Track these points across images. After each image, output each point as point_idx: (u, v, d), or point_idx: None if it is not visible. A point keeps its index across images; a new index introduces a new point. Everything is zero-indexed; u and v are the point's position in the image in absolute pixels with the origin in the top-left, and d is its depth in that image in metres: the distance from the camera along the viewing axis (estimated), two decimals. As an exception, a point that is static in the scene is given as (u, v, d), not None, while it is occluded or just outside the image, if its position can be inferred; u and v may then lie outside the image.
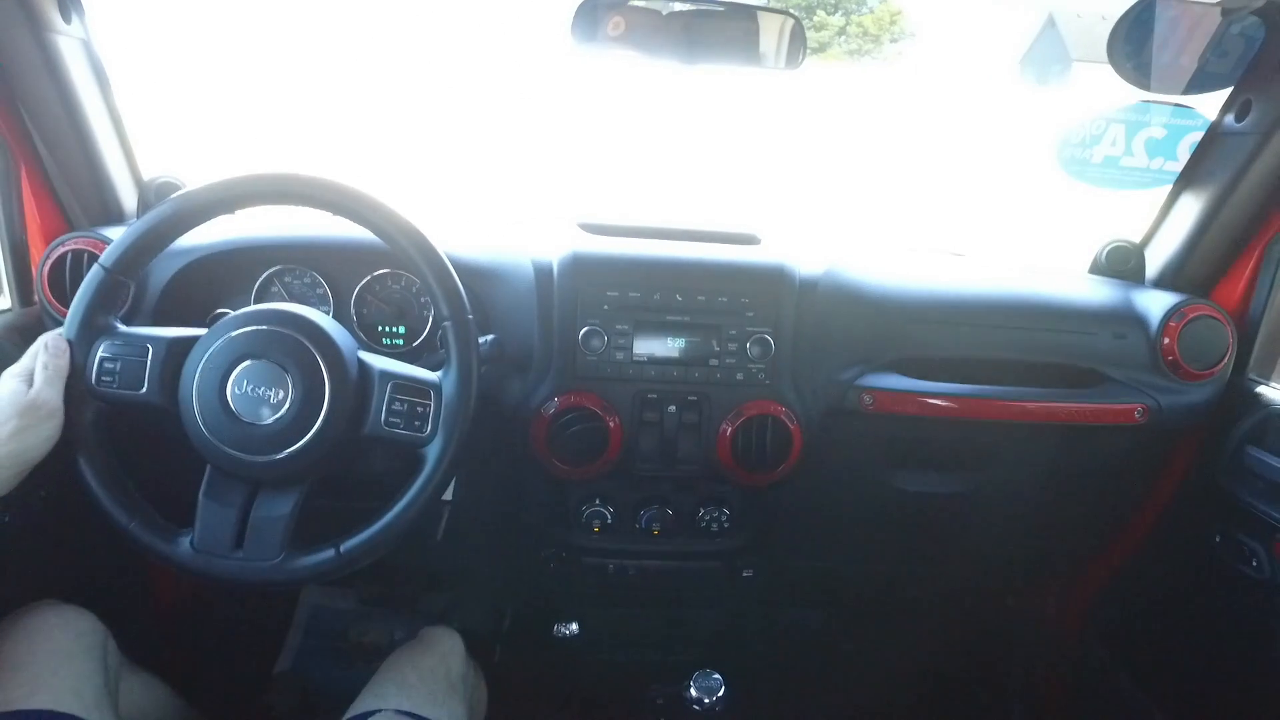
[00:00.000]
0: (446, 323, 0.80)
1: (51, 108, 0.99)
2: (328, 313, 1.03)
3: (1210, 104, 1.11)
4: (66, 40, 0.98)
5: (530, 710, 1.26)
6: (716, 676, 1.17)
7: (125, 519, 0.76)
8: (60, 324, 0.77)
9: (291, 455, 0.75)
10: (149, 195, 1.12)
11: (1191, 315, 1.06)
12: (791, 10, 1.05)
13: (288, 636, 1.47)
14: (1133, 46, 1.08)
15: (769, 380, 1.00)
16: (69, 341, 0.76)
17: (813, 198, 5.85)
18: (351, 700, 0.89)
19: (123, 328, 0.78)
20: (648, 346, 0.99)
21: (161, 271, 1.00)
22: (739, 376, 1.00)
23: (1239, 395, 1.08)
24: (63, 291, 1.00)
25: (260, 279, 1.05)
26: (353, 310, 1.06)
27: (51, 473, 0.73)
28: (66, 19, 0.98)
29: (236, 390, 0.75)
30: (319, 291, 1.06)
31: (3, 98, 0.98)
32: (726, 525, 1.09)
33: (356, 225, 0.81)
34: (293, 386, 0.75)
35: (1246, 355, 1.10)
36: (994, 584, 1.46)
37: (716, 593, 1.24)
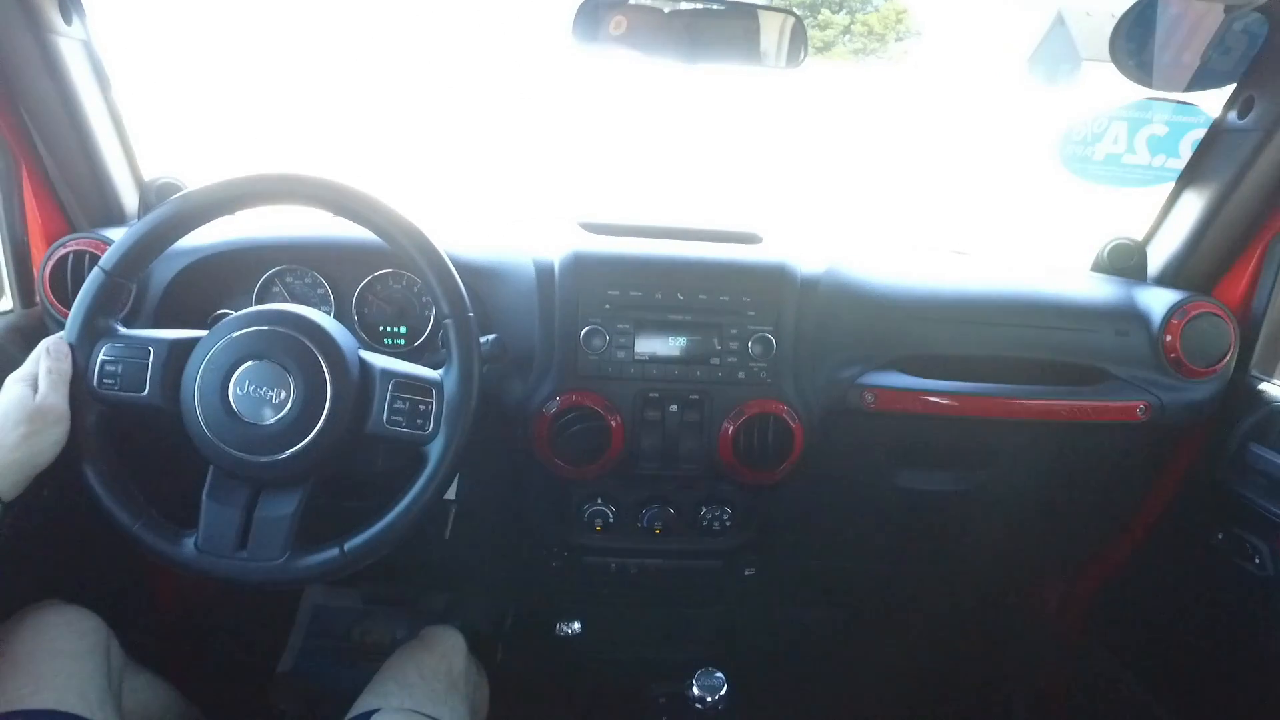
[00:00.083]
0: (447, 320, 0.80)
1: (52, 109, 0.99)
2: (329, 313, 1.04)
3: (1213, 101, 1.10)
4: (67, 42, 0.98)
5: (532, 709, 1.26)
6: (719, 675, 1.17)
7: (129, 521, 0.76)
8: (62, 325, 0.77)
9: (294, 455, 0.75)
10: (150, 196, 1.12)
11: (1194, 312, 1.06)
12: (793, 9, 1.05)
13: (290, 636, 1.48)
14: (1135, 44, 1.08)
15: (770, 379, 1.00)
16: (70, 345, 0.76)
17: (815, 197, 5.84)
18: (354, 700, 0.89)
19: (124, 330, 0.79)
20: (649, 345, 0.99)
21: (163, 273, 1.00)
22: (740, 375, 1.00)
23: (1241, 392, 1.08)
24: (64, 292, 1.00)
25: (261, 279, 1.05)
26: (354, 310, 1.06)
27: (54, 474, 0.73)
28: (67, 20, 0.98)
29: (238, 391, 0.75)
30: (320, 292, 1.06)
31: (4, 99, 0.98)
32: (728, 524, 1.09)
33: (357, 225, 0.81)
34: (294, 386, 0.75)
35: (1249, 352, 1.10)
36: (996, 581, 1.46)
37: (718, 591, 1.24)
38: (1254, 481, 1.04)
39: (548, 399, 0.98)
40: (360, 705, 0.87)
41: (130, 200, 1.12)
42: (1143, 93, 1.18)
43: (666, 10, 1.00)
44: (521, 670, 1.39)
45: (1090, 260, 1.25)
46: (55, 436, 0.73)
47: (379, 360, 0.80)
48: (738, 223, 1.16)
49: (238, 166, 0.80)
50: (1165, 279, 1.16)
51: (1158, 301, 1.09)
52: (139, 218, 1.10)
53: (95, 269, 0.77)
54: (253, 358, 0.76)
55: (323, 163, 0.90)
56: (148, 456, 0.84)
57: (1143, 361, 1.07)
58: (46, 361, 0.74)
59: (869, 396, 1.03)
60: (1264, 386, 1.07)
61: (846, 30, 26.76)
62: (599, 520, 1.07)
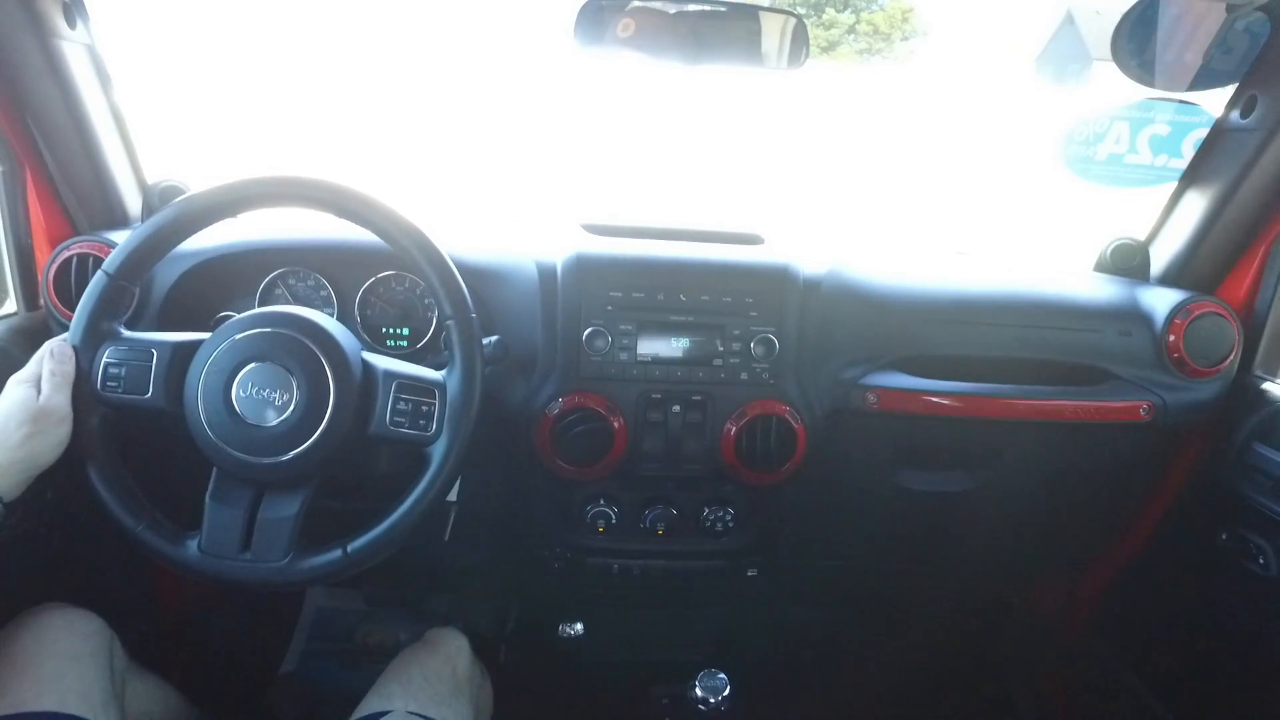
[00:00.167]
0: (450, 321, 0.80)
1: (56, 112, 1.00)
2: (332, 315, 1.04)
3: (1215, 100, 1.10)
4: (71, 46, 0.98)
5: (535, 710, 1.26)
6: (721, 676, 1.17)
7: (133, 523, 0.76)
8: (65, 328, 0.77)
9: (297, 456, 0.75)
10: (153, 199, 1.12)
11: (1197, 312, 1.06)
12: (795, 10, 1.04)
13: (293, 638, 1.48)
14: (1137, 43, 1.08)
15: (773, 380, 1.00)
16: (74, 347, 0.76)
17: (817, 198, 5.84)
18: (357, 702, 0.89)
19: (127, 333, 0.79)
20: (652, 347, 0.99)
21: (166, 275, 1.00)
22: (743, 376, 1.00)
23: (1245, 392, 1.08)
24: (68, 295, 1.01)
25: (264, 282, 1.05)
26: (357, 312, 1.07)
27: (57, 476, 0.73)
28: (71, 24, 0.98)
29: (241, 393, 0.75)
30: (323, 294, 1.06)
31: (8, 102, 0.98)
32: (731, 525, 1.09)
33: (360, 227, 0.81)
34: (297, 388, 0.75)
35: (1252, 352, 1.10)
36: (999, 582, 1.46)
37: (721, 592, 1.24)
38: (1258, 481, 1.04)
39: (550, 400, 0.98)
40: (365, 707, 0.87)
41: (133, 203, 1.13)
42: (1147, 92, 1.18)
43: (672, 12, 1.00)
44: (525, 672, 1.39)
45: (1093, 260, 1.25)
46: (58, 438, 0.73)
47: (382, 362, 0.80)
48: (740, 224, 1.16)
49: (241, 169, 0.81)
50: (1168, 279, 1.16)
51: (1161, 301, 1.09)
52: (142, 221, 1.11)
53: (99, 272, 0.77)
54: (256, 360, 0.76)
55: (326, 165, 0.91)
56: (151, 459, 0.84)
57: (1146, 362, 1.07)
58: (50, 363, 0.74)
59: (871, 397, 1.03)
60: (1267, 386, 1.07)
61: (852, 29, 26.59)
62: (601, 521, 1.07)
